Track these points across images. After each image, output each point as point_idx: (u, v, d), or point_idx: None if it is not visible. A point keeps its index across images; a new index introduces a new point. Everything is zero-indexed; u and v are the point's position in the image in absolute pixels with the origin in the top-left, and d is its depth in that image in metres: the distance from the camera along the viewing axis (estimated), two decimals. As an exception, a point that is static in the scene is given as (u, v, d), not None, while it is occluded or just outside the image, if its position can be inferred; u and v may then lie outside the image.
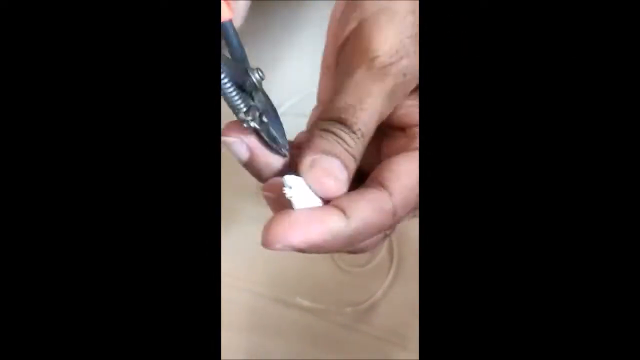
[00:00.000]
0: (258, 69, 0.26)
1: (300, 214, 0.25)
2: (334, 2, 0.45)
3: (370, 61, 0.27)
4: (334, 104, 0.27)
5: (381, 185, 0.27)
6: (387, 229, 0.27)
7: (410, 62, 0.28)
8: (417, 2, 0.28)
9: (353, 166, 0.27)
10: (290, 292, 0.40)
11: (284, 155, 0.27)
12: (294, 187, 0.25)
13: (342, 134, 0.27)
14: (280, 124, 0.27)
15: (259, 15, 0.49)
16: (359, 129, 0.27)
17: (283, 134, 0.27)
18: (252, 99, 0.26)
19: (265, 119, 0.26)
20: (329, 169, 0.26)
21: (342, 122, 0.27)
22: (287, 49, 0.48)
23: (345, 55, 0.29)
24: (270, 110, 0.27)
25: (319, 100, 0.33)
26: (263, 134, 0.26)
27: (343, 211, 0.25)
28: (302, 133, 0.31)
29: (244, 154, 0.26)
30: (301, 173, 0.26)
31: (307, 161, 0.26)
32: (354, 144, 0.27)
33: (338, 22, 0.30)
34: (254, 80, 0.25)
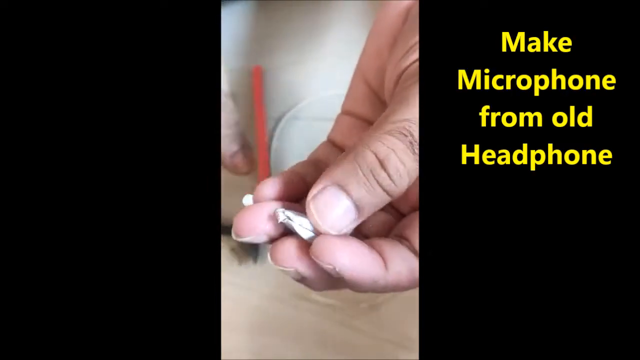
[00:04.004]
0: None
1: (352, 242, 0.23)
2: (348, 5, 0.45)
3: None
4: (391, 118, 0.24)
5: (411, 248, 0.25)
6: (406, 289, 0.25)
7: None
8: None
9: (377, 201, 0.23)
10: (300, 292, 0.40)
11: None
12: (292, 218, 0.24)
13: (402, 138, 0.23)
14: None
15: (271, 19, 0.49)
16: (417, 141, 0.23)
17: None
18: None
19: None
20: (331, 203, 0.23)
21: (402, 133, 0.24)
22: (297, 54, 0.48)
23: (406, 86, 0.26)
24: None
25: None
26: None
27: (385, 262, 0.24)
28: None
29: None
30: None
31: (314, 190, 0.24)
32: (413, 154, 0.23)
33: (396, 46, 0.28)
34: None
